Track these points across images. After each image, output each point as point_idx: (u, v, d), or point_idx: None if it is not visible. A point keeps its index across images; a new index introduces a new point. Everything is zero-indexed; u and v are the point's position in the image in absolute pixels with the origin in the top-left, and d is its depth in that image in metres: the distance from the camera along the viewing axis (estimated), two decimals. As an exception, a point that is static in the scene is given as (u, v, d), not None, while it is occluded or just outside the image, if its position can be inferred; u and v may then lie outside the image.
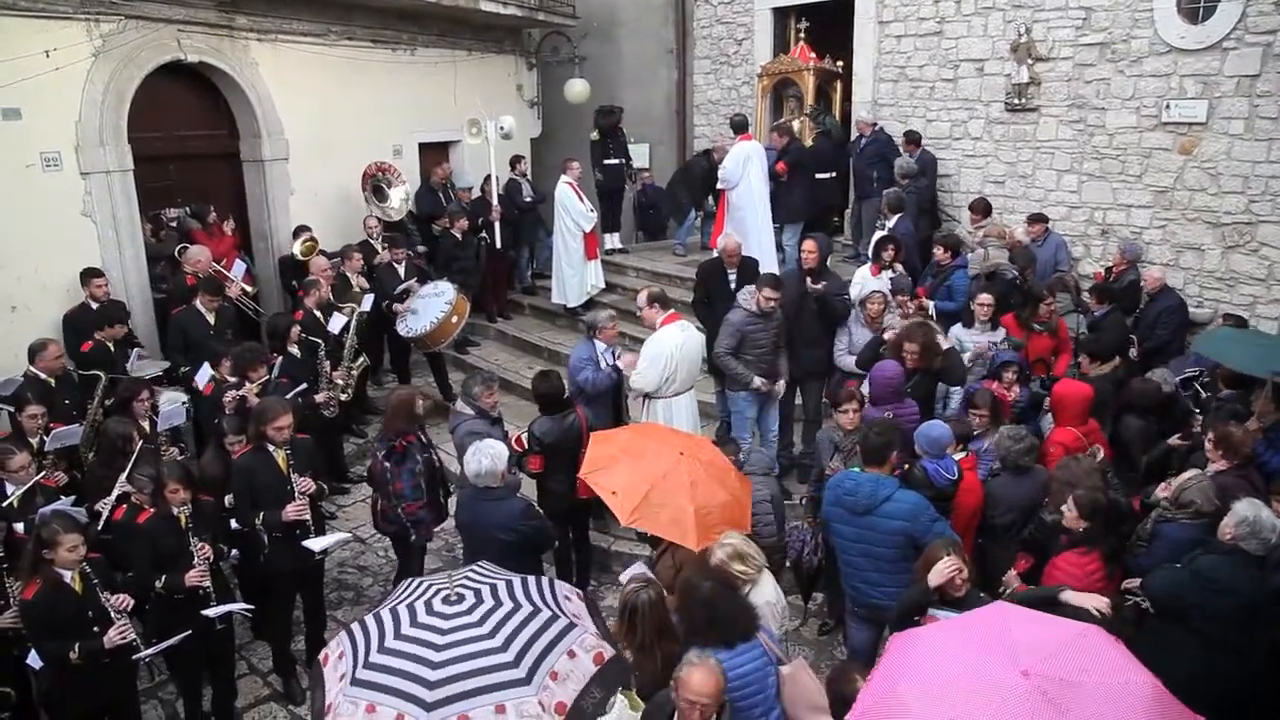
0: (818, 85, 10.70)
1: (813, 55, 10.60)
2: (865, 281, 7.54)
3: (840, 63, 10.76)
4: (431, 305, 8.61)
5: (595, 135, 11.03)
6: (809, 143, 10.38)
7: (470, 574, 3.54)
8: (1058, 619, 2.99)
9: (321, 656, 3.35)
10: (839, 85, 11.02)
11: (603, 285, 10.37)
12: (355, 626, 3.33)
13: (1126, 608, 4.45)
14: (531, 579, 3.55)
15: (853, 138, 10.66)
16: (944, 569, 3.91)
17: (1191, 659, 3.95)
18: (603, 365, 6.53)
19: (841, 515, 4.75)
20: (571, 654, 3.16)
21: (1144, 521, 4.81)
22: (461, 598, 3.27)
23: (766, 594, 4.18)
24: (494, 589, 3.36)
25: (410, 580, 3.63)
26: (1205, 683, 3.89)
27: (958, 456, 5.21)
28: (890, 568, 4.61)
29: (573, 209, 9.86)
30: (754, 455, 5.68)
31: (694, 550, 4.42)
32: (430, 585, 3.45)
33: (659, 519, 4.56)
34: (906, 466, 5.05)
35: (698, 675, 3.20)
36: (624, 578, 4.63)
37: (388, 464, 5.69)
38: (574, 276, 10.13)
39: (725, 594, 3.79)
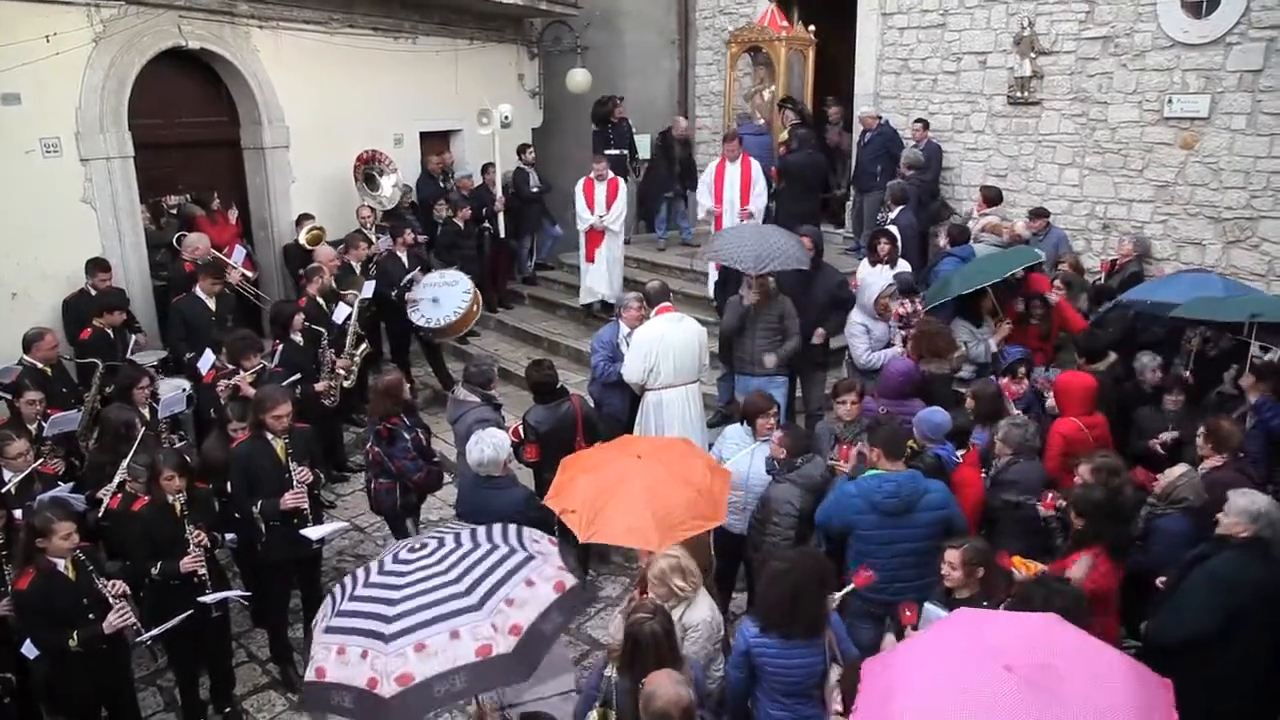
0: (788, 54, 10.41)
1: (784, 23, 10.33)
2: (870, 279, 7.28)
3: (813, 27, 10.53)
4: (450, 295, 8.57)
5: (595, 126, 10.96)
6: (783, 136, 10.16)
7: (442, 527, 3.89)
8: (1021, 615, 3.03)
9: (313, 624, 3.68)
10: (810, 54, 10.72)
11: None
12: (336, 587, 3.70)
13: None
14: (498, 526, 3.81)
15: (856, 134, 10.62)
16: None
17: (1246, 666, 3.93)
18: (622, 349, 6.52)
19: (872, 521, 4.56)
20: (530, 582, 3.44)
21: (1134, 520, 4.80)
22: (425, 545, 3.60)
23: (702, 613, 4.11)
24: (458, 535, 3.68)
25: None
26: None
27: (960, 452, 5.23)
28: (921, 560, 4.52)
29: (578, 208, 9.81)
30: (807, 466, 5.07)
31: (656, 550, 4.31)
32: (404, 543, 3.80)
33: (616, 530, 4.48)
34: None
35: (664, 682, 3.19)
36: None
37: (378, 449, 5.76)
38: (583, 274, 10.09)
39: (810, 588, 3.74)
